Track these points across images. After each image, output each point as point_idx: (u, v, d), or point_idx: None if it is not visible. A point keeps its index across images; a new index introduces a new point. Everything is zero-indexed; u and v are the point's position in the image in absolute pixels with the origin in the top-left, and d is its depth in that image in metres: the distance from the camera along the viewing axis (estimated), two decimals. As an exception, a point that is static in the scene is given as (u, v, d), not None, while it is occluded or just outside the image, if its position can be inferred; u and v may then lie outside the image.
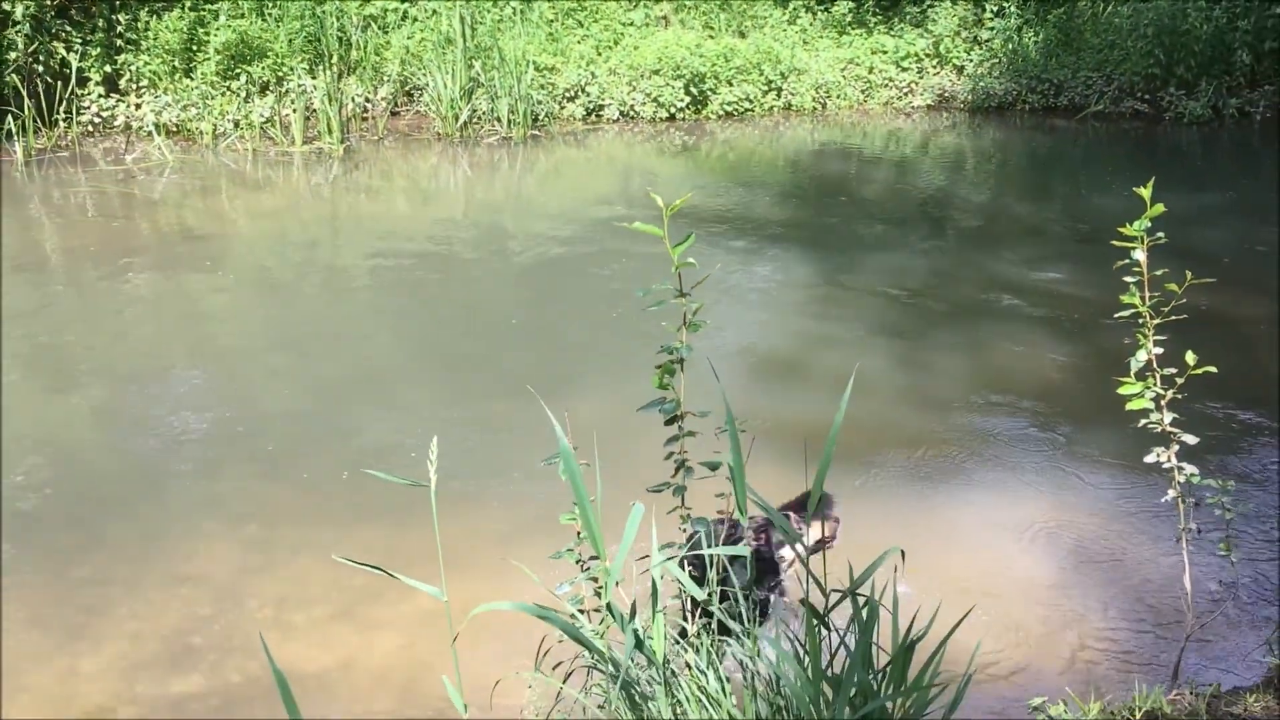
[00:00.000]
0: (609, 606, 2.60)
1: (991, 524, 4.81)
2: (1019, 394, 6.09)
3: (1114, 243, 3.82)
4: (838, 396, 6.01)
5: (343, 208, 10.20)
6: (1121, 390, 3.85)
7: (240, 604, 4.40)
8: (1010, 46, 14.38)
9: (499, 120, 12.32)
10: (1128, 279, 3.84)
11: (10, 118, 10.61)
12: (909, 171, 11.81)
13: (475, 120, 12.34)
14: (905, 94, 14.55)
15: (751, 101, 13.74)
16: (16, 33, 10.72)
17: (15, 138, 10.62)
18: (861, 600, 2.64)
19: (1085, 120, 13.69)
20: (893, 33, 14.88)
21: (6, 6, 10.70)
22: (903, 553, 2.70)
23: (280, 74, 11.87)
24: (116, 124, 11.46)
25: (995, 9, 14.67)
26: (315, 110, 11.71)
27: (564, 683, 2.96)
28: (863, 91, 14.41)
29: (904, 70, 14.60)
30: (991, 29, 14.58)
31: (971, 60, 14.54)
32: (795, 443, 5.37)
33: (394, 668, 4.08)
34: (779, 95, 13.96)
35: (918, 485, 5.16)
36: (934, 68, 14.67)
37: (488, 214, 10.00)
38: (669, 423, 3.17)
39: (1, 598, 4.35)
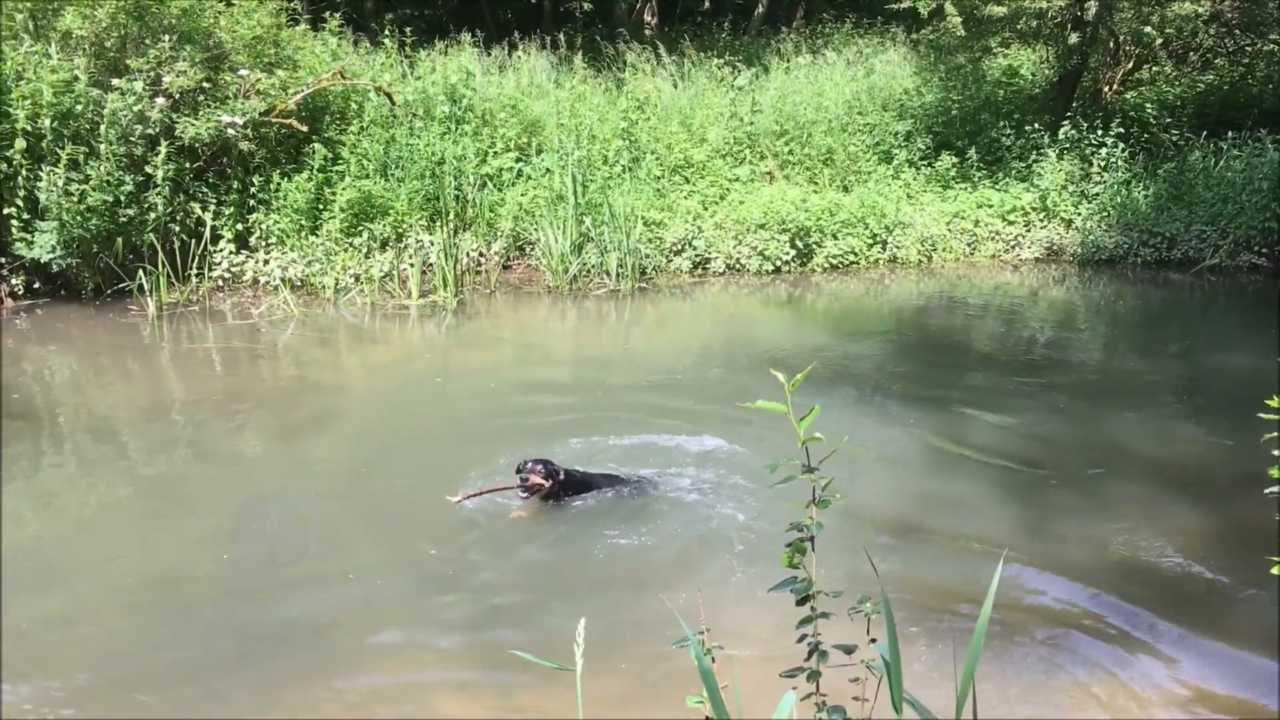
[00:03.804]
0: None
1: (1139, 713, 4.54)
2: (1156, 568, 5.82)
3: (1262, 415, 3.68)
4: (967, 567, 5.86)
5: (455, 360, 10.42)
6: (1276, 570, 3.64)
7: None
8: (1119, 200, 14.29)
9: (608, 273, 12.59)
10: (1277, 452, 3.68)
11: (143, 273, 11.18)
12: (1018, 326, 11.67)
13: (585, 273, 12.62)
14: (1012, 247, 14.51)
15: (856, 254, 13.83)
16: (157, 194, 11.38)
17: (149, 292, 11.16)
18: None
19: (1201, 274, 13.45)
20: (998, 186, 14.93)
21: (149, 170, 11.39)
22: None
23: (400, 230, 12.35)
24: (245, 279, 11.99)
25: (1103, 164, 14.64)
26: (432, 265, 12.13)
27: None
28: (969, 245, 14.41)
29: (1010, 224, 14.60)
30: (1100, 183, 14.53)
31: (1080, 214, 14.47)
32: (932, 619, 5.23)
33: None
34: (884, 248, 14.04)
35: (1054, 666, 4.91)
36: (1041, 221, 14.64)
37: (597, 368, 10.10)
38: (800, 603, 3.07)
39: None
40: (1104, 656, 4.99)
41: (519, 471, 6.17)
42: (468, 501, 6.25)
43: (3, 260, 11.07)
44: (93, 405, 8.62)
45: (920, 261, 14.07)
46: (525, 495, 6.07)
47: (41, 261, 10.86)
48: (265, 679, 4.88)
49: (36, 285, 11.22)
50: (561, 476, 6.24)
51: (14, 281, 11.09)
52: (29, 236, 10.80)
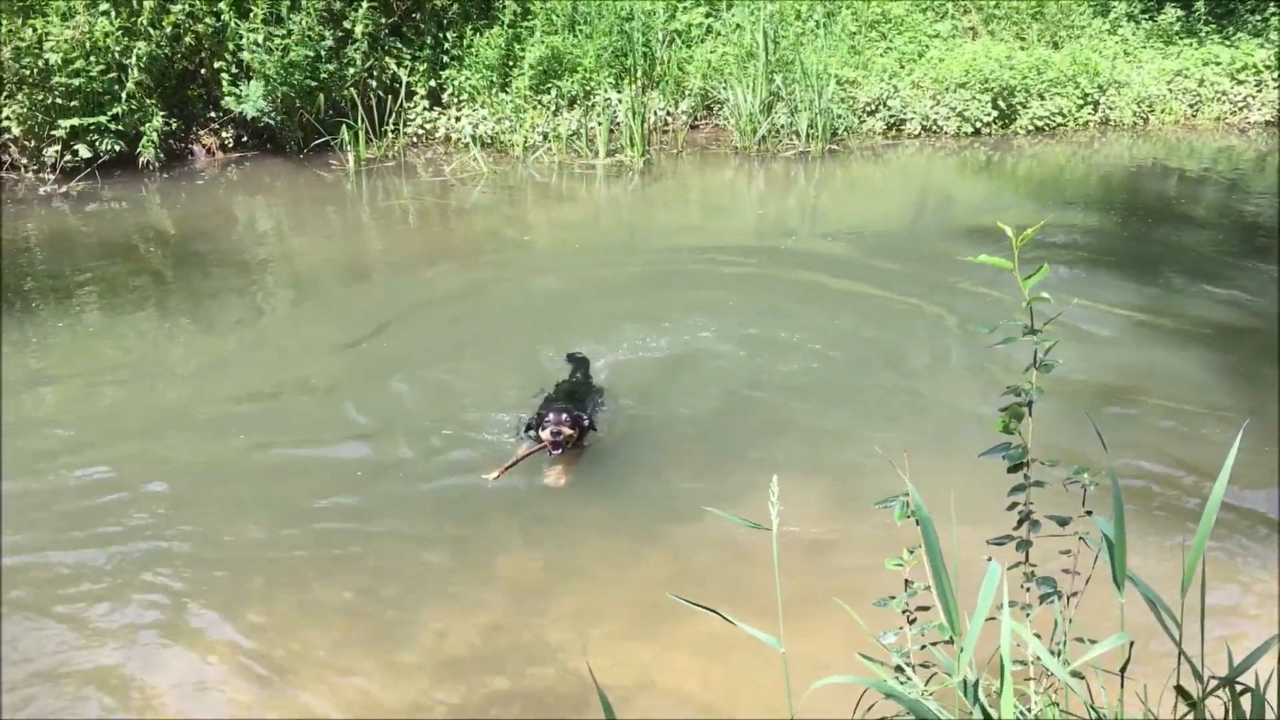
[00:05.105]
0: (962, 684, 2.40)
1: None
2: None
3: None
4: (1174, 440, 5.55)
5: (641, 219, 10.36)
6: None
7: (541, 613, 4.49)
8: (1370, 57, 12.92)
9: (797, 134, 12.21)
10: None
11: (345, 128, 11.47)
12: (1241, 195, 10.79)
13: (773, 134, 12.28)
14: (1240, 109, 13.37)
15: (1065, 116, 12.99)
16: (356, 50, 11.57)
17: (349, 147, 11.46)
18: (1240, 689, 2.35)
19: None
20: (1228, 42, 13.69)
21: (348, 25, 11.57)
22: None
23: (588, 88, 12.25)
24: (438, 136, 12.17)
25: (1353, 15, 13.23)
26: (619, 123, 12.01)
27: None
28: (1191, 106, 13.35)
29: (1240, 83, 13.42)
30: (1347, 38, 13.16)
31: (1321, 73, 13.17)
32: (1144, 494, 5.00)
33: (692, 693, 4.04)
34: (1095, 109, 13.14)
35: (1269, 547, 4.63)
36: (1275, 80, 13.38)
37: (787, 232, 9.86)
38: (1012, 470, 2.94)
39: None
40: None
41: (541, 428, 5.44)
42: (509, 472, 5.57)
43: (214, 115, 11.54)
44: (294, 255, 8.99)
45: (1135, 124, 13.12)
46: (558, 452, 5.41)
47: (248, 117, 11.26)
48: (460, 535, 5.09)
49: (245, 139, 11.68)
50: (585, 421, 5.60)
51: (224, 135, 11.57)
52: (238, 92, 11.18)
